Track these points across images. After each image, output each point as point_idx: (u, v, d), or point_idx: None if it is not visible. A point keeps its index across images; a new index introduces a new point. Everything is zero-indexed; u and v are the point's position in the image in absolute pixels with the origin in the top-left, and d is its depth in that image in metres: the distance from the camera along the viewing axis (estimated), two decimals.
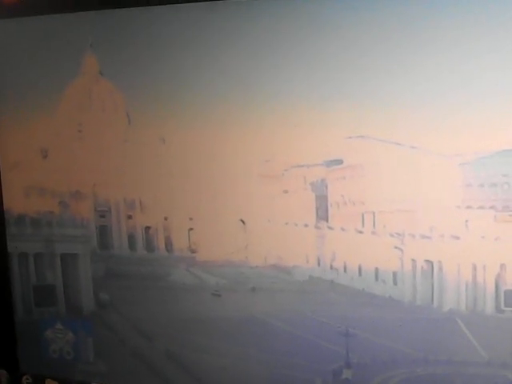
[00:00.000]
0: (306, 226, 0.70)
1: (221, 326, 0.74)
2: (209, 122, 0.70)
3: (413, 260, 0.66)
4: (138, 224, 0.77)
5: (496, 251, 0.62)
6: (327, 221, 0.69)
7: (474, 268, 0.63)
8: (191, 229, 0.75)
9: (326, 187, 0.68)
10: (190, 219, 0.75)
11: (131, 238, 0.78)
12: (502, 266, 0.62)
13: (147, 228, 0.77)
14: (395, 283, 0.67)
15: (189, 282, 0.76)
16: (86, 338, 0.81)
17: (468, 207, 0.62)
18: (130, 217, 0.78)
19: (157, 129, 0.73)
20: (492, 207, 0.62)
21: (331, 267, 0.69)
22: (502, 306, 0.63)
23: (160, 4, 0.69)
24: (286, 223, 0.71)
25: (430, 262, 0.65)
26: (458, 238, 0.63)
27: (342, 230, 0.68)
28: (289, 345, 0.72)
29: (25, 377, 0.85)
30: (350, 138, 0.65)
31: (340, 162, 0.67)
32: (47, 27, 0.75)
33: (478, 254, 0.62)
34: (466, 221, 0.62)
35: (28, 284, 0.83)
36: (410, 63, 0.61)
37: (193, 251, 0.75)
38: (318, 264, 0.70)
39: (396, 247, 0.66)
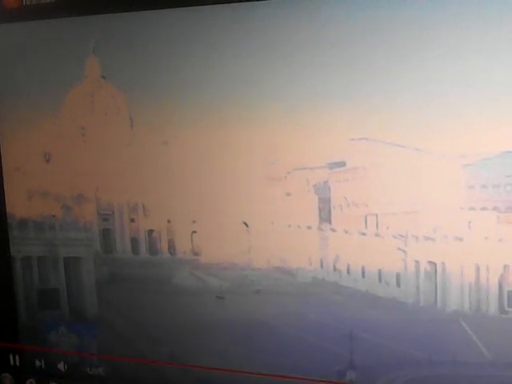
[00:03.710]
0: (309, 228, 0.70)
1: (225, 329, 0.74)
2: (212, 124, 0.70)
3: (416, 261, 0.66)
4: (141, 227, 0.77)
5: (499, 252, 0.62)
6: (330, 223, 0.69)
7: (478, 269, 0.63)
8: (194, 232, 0.75)
9: (329, 189, 0.68)
10: (193, 222, 0.75)
11: (134, 242, 0.78)
12: (506, 266, 0.62)
13: (150, 231, 0.77)
14: (398, 285, 0.67)
15: (192, 284, 0.76)
16: (89, 342, 0.82)
17: (471, 208, 0.62)
18: (133, 220, 0.78)
19: (160, 132, 0.73)
20: (495, 208, 0.62)
21: (334, 269, 0.69)
22: (506, 307, 0.63)
23: (162, 7, 0.69)
24: (289, 225, 0.71)
25: (433, 264, 0.65)
26: (461, 239, 0.63)
27: (345, 231, 0.68)
28: (292, 346, 0.72)
29: (29, 380, 0.85)
30: (352, 140, 0.65)
31: (343, 164, 0.67)
32: (49, 31, 0.75)
33: (482, 255, 0.63)
34: (469, 222, 0.62)
35: (31, 288, 0.83)
36: (413, 64, 0.61)
37: (196, 254, 0.75)
38: (321, 266, 0.70)
39: (399, 249, 0.66)
